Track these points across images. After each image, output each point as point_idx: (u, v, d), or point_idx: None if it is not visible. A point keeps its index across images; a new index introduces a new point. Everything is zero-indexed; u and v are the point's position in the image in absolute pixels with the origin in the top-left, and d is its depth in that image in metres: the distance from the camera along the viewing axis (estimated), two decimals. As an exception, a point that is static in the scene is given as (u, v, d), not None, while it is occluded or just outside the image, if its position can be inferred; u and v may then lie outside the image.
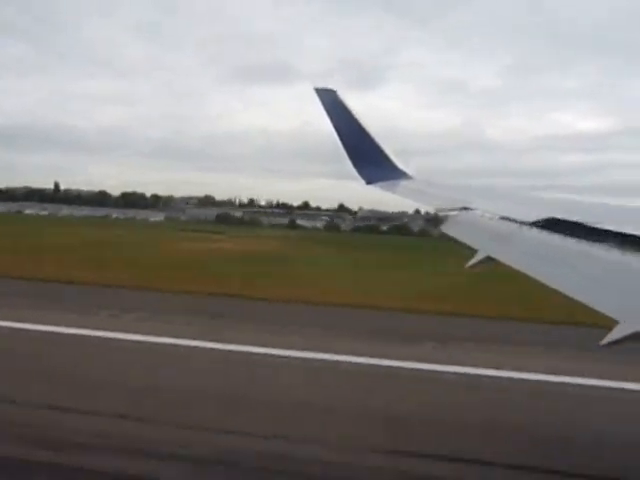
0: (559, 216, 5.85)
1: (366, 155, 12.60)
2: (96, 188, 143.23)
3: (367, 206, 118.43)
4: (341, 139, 12.65)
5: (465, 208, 8.39)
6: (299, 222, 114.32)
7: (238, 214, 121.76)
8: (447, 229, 8.39)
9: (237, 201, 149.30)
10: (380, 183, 12.58)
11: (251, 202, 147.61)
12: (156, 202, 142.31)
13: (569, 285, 4.79)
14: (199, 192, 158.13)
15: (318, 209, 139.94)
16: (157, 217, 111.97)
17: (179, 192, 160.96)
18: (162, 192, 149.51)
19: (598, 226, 5.07)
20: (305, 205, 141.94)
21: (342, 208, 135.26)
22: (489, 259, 6.58)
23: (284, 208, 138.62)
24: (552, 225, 5.86)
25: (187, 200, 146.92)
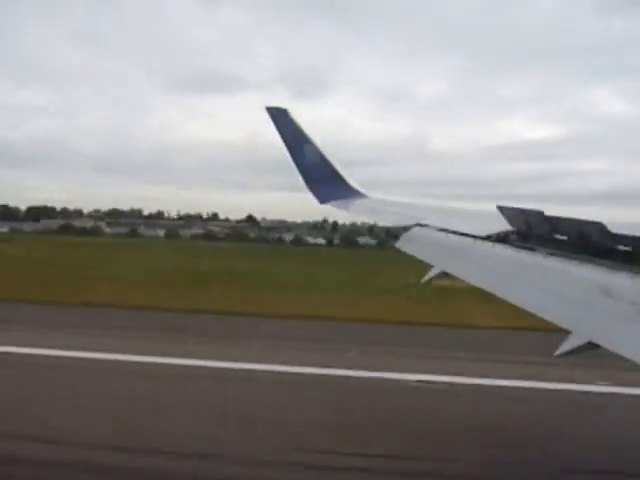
0: (511, 229, 5.93)
1: (319, 174, 12.59)
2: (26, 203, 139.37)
3: (315, 218, 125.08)
4: (294, 159, 12.61)
5: (419, 224, 8.45)
6: (141, 231, 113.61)
7: (89, 224, 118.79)
8: (402, 245, 8.42)
9: (145, 213, 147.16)
10: (334, 202, 12.60)
11: (160, 214, 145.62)
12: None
13: (522, 297, 4.83)
14: (128, 205, 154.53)
15: (227, 220, 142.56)
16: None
17: (104, 205, 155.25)
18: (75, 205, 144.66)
19: (552, 236, 5.15)
20: (214, 216, 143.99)
21: (250, 219, 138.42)
22: (444, 274, 6.63)
23: (190, 219, 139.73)
24: (504, 238, 5.93)
25: (94, 213, 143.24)
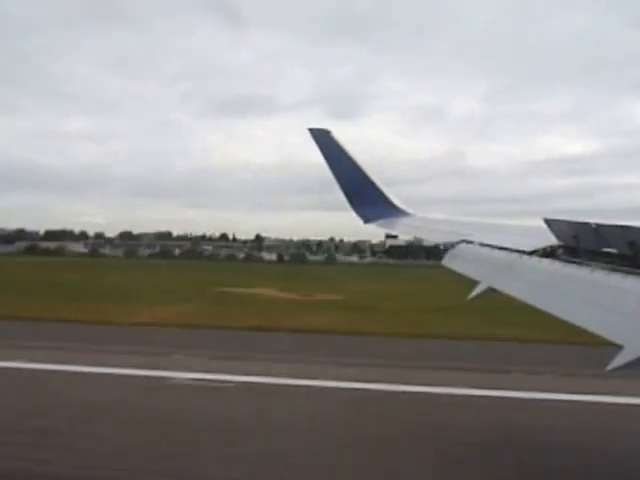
0: (558, 243, 5.86)
1: (363, 194, 12.64)
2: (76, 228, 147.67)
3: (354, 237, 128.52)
4: (337, 179, 12.69)
5: (464, 241, 8.41)
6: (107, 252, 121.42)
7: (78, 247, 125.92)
8: (448, 262, 8.38)
9: (175, 234, 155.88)
10: (379, 221, 12.62)
11: (184, 236, 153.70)
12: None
13: (570, 312, 4.76)
14: (167, 228, 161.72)
15: (234, 240, 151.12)
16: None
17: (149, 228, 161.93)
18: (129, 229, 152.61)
19: (604, 249, 5.07)
20: (223, 236, 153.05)
21: (258, 238, 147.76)
22: (491, 290, 6.57)
23: (195, 240, 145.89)
24: (551, 252, 5.87)
25: (144, 236, 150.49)
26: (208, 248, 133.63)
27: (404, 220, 12.15)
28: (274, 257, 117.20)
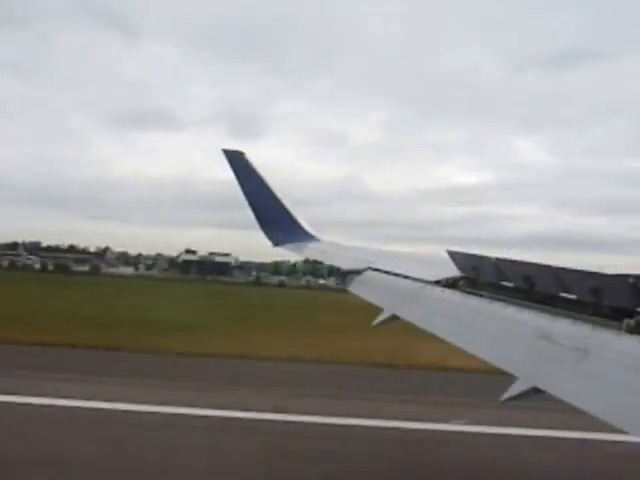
0: (460, 274, 6.03)
1: (273, 217, 12.69)
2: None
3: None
4: (249, 201, 12.69)
5: (370, 268, 8.52)
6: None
7: None
8: (354, 289, 8.45)
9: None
10: (287, 245, 12.68)
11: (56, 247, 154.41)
12: None
13: (469, 342, 4.89)
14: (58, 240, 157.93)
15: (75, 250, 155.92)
16: None
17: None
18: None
19: (502, 283, 5.26)
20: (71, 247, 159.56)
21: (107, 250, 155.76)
22: (394, 317, 6.65)
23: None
24: (453, 283, 6.02)
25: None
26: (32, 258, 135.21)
27: (312, 245, 12.27)
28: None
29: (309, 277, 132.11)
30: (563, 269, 4.42)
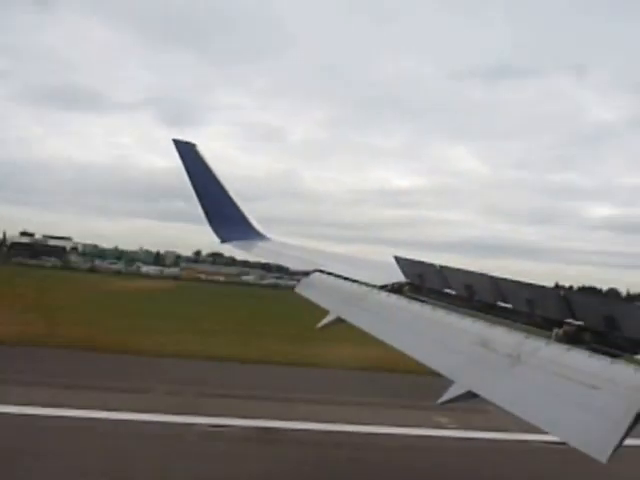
0: (405, 280, 6.25)
1: (223, 213, 12.47)
2: None
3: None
4: (198, 195, 12.41)
5: (318, 270, 8.66)
6: None
7: None
8: (301, 290, 8.56)
9: None
10: (236, 242, 12.55)
11: None
12: None
13: (411, 347, 5.09)
14: None
15: None
16: None
17: None
18: None
19: (445, 290, 5.50)
20: None
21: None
22: (339, 320, 6.81)
23: None
24: (398, 289, 6.24)
25: None
26: None
27: (262, 244, 12.20)
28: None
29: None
30: (502, 279, 4.68)
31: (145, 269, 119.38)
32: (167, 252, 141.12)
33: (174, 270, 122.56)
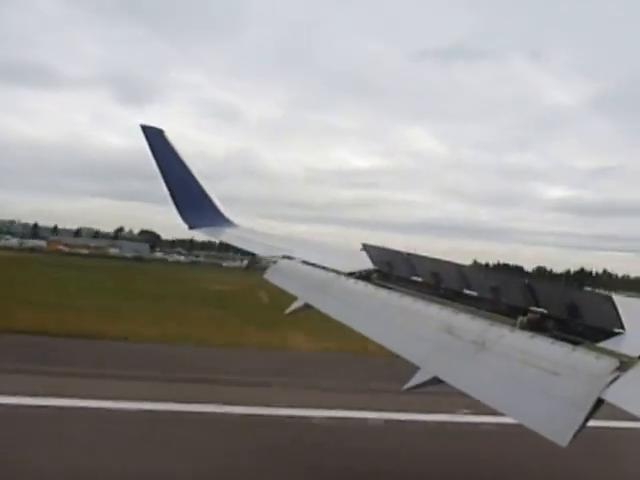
0: (373, 267, 6.27)
1: (190, 200, 12.43)
2: None
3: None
4: (165, 181, 12.34)
5: (287, 257, 8.64)
6: None
7: None
8: (269, 277, 8.53)
9: None
10: (204, 229, 12.51)
11: None
12: None
13: (378, 334, 5.12)
14: None
15: None
16: None
17: None
18: None
19: (413, 277, 5.54)
20: None
21: None
22: (307, 306, 6.81)
23: None
24: (366, 276, 6.26)
25: None
26: None
27: (229, 230, 12.20)
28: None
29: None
30: (468, 267, 4.73)
31: (8, 241, 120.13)
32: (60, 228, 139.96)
33: (39, 242, 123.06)
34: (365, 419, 12.99)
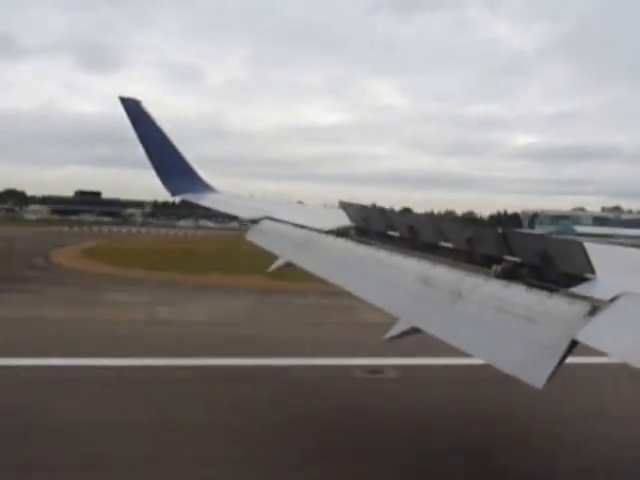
0: (351, 224, 6.19)
1: (171, 167, 12.27)
2: None
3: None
4: (146, 151, 12.15)
5: (268, 218, 8.52)
6: None
7: None
8: (251, 237, 8.43)
9: None
10: (186, 194, 12.36)
11: None
12: None
13: (358, 287, 5.07)
14: None
15: None
16: None
17: None
18: None
19: (389, 232, 5.47)
20: None
21: None
22: (289, 264, 6.74)
23: None
24: (345, 232, 6.18)
25: None
26: None
27: (211, 196, 12.06)
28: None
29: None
30: (442, 221, 4.65)
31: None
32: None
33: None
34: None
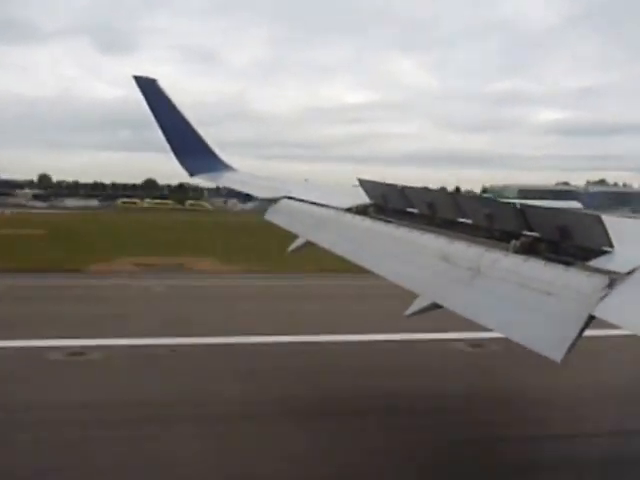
0: (369, 202, 6.19)
1: (189, 147, 12.17)
2: None
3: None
4: (163, 130, 12.05)
5: (286, 197, 8.54)
6: None
7: None
8: (270, 216, 8.47)
9: None
10: (204, 175, 12.33)
11: None
12: None
13: (378, 265, 5.10)
14: None
15: None
16: None
17: None
18: None
19: (408, 209, 5.47)
20: None
21: None
22: (309, 243, 6.79)
23: None
24: (364, 210, 6.19)
25: None
26: None
27: (229, 174, 12.01)
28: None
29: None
30: (461, 196, 4.65)
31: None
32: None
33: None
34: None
